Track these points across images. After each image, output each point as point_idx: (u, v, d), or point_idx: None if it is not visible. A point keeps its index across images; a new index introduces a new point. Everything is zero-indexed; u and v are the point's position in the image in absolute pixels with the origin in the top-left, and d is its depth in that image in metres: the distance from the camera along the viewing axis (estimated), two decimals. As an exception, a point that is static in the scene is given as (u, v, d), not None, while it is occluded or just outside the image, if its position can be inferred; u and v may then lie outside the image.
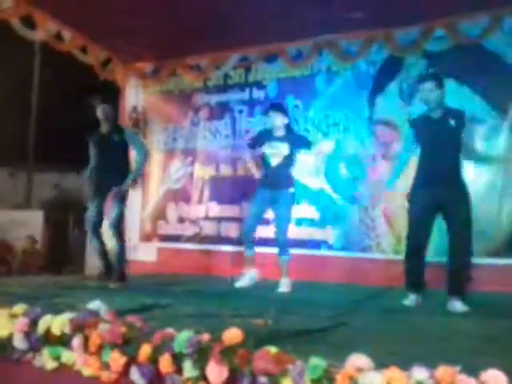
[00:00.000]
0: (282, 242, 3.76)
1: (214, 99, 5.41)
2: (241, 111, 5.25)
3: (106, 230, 3.79)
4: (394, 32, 4.41)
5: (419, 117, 3.31)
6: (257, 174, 3.91)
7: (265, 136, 3.93)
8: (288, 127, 3.90)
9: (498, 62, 4.10)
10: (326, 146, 4.69)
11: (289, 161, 3.81)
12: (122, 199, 3.78)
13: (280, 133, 3.86)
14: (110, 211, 3.75)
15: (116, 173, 3.76)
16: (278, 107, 3.96)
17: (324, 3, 3.95)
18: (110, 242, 3.81)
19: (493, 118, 4.11)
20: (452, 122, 3.09)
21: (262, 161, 3.91)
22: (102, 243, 3.85)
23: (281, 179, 3.77)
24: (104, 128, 3.87)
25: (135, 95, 5.72)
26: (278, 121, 3.84)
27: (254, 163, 3.98)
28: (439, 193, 3.03)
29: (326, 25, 4.41)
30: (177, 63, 5.40)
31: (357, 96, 4.67)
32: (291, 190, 3.79)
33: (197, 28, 4.49)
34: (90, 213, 3.84)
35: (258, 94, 5.16)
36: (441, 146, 3.09)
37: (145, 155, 3.89)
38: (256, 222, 3.87)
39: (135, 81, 5.70)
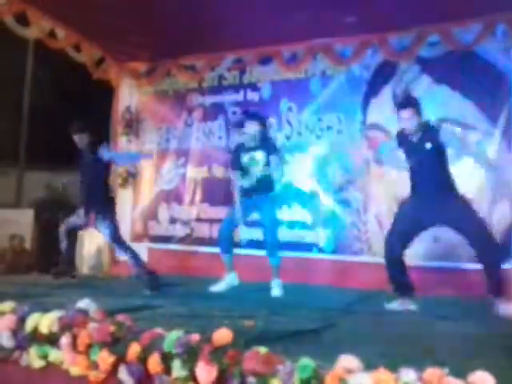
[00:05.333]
0: (271, 245, 3.78)
1: (208, 100, 5.40)
2: (234, 113, 5.25)
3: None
4: (388, 37, 4.43)
5: (401, 133, 3.27)
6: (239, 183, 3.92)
7: (240, 149, 3.94)
8: (262, 134, 3.87)
9: (490, 68, 4.14)
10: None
11: (266, 167, 3.80)
12: (110, 218, 3.84)
13: (254, 141, 3.84)
14: (103, 230, 3.85)
15: (96, 196, 3.89)
16: (252, 115, 3.98)
17: (319, 7, 3.97)
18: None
19: (485, 124, 4.13)
20: (428, 146, 3.08)
21: (242, 171, 3.90)
22: (69, 246, 4.07)
23: (260, 185, 3.79)
24: (85, 154, 3.97)
25: (129, 95, 5.70)
26: (252, 129, 3.84)
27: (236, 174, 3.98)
28: (429, 212, 3.04)
29: (320, 28, 4.43)
30: (171, 64, 5.39)
31: (350, 100, 4.68)
32: (271, 193, 3.83)
33: (192, 29, 4.49)
34: (72, 217, 4.01)
35: (253, 95, 5.16)
36: (423, 167, 3.12)
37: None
38: (233, 228, 3.93)
39: (129, 81, 5.67)
